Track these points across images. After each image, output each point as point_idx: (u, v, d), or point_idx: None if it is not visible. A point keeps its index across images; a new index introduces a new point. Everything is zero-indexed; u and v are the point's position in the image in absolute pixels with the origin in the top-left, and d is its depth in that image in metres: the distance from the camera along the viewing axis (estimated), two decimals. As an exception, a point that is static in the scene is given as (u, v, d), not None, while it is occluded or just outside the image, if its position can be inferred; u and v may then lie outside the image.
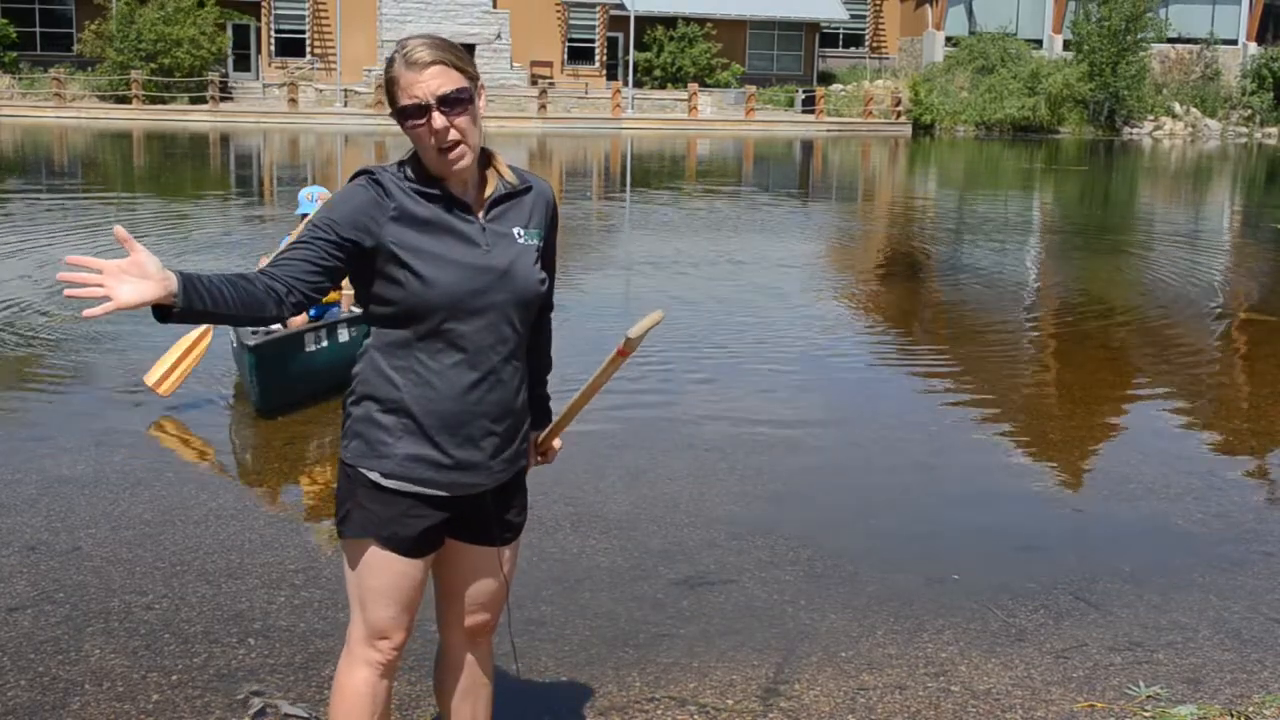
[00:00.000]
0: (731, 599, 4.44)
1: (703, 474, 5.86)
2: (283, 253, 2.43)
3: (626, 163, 29.40)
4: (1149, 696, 3.78)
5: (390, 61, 2.47)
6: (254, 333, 6.70)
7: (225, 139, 31.65)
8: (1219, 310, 11.32)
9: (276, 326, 7.20)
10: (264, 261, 7.47)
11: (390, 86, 2.47)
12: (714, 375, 7.94)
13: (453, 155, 2.44)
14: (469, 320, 2.48)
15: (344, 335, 7.13)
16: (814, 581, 4.62)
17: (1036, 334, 10.33)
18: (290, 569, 4.61)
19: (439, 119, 2.41)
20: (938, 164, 32.28)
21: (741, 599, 4.44)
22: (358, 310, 7.42)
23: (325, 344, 7.02)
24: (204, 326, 7.13)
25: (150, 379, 6.76)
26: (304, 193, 7.54)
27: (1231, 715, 3.64)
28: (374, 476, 2.52)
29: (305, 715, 3.53)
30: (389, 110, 2.51)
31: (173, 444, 6.36)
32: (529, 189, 2.61)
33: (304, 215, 7.45)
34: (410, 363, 2.49)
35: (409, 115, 2.43)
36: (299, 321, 7.09)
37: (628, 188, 23.22)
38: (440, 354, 2.49)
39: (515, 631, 4.07)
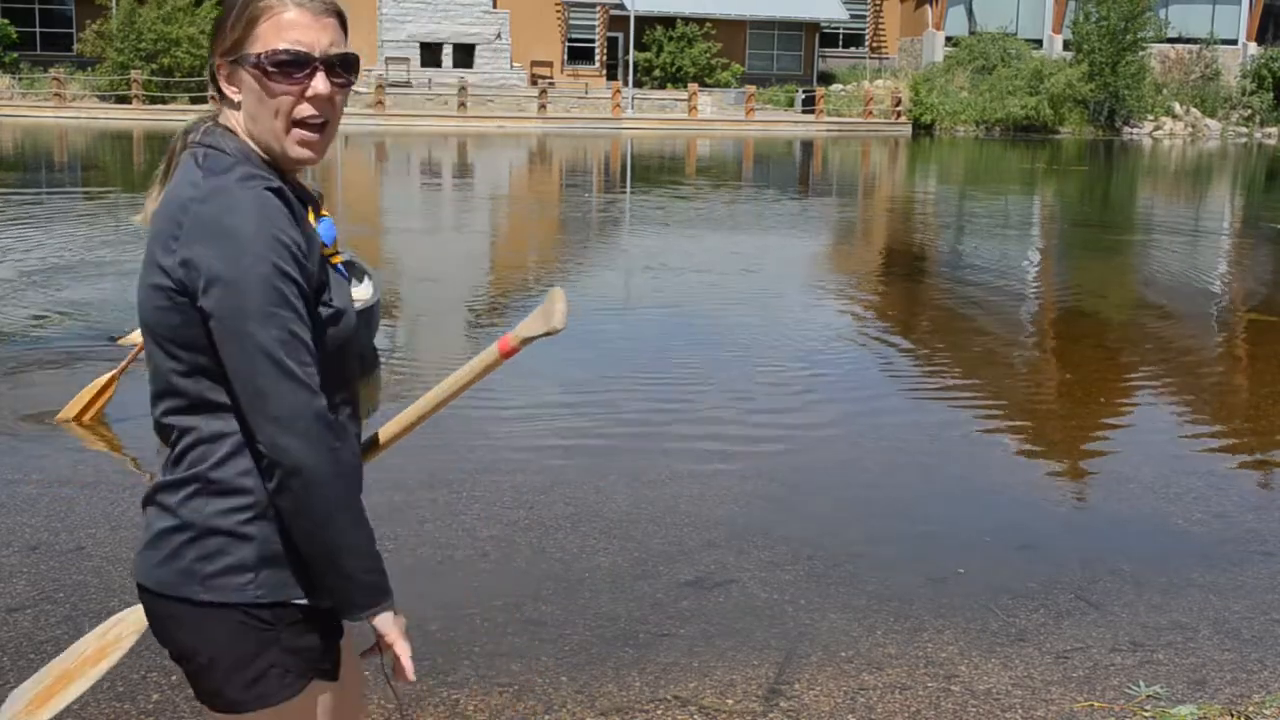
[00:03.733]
0: (731, 599, 4.44)
1: (703, 474, 5.85)
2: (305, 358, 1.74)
3: (627, 162, 29.38)
4: (1149, 696, 3.78)
5: None
6: None
7: (225, 139, 31.55)
8: (1219, 310, 11.32)
9: None
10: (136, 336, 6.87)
11: (252, 20, 1.77)
12: (714, 374, 7.93)
13: (312, 140, 1.82)
14: (351, 358, 1.93)
15: None
16: (814, 581, 4.62)
17: (1036, 334, 10.33)
18: (290, 569, 4.60)
19: (323, 82, 1.80)
20: (938, 164, 32.27)
21: (741, 599, 4.44)
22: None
23: None
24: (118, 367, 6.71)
25: (65, 415, 6.47)
26: None
27: (1231, 715, 3.64)
28: (304, 602, 1.84)
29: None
30: (224, 53, 1.80)
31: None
32: (318, 194, 2.00)
33: None
34: None
35: (282, 66, 1.77)
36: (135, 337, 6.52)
37: (628, 187, 23.21)
38: (340, 408, 1.85)
39: (514, 631, 4.08)
